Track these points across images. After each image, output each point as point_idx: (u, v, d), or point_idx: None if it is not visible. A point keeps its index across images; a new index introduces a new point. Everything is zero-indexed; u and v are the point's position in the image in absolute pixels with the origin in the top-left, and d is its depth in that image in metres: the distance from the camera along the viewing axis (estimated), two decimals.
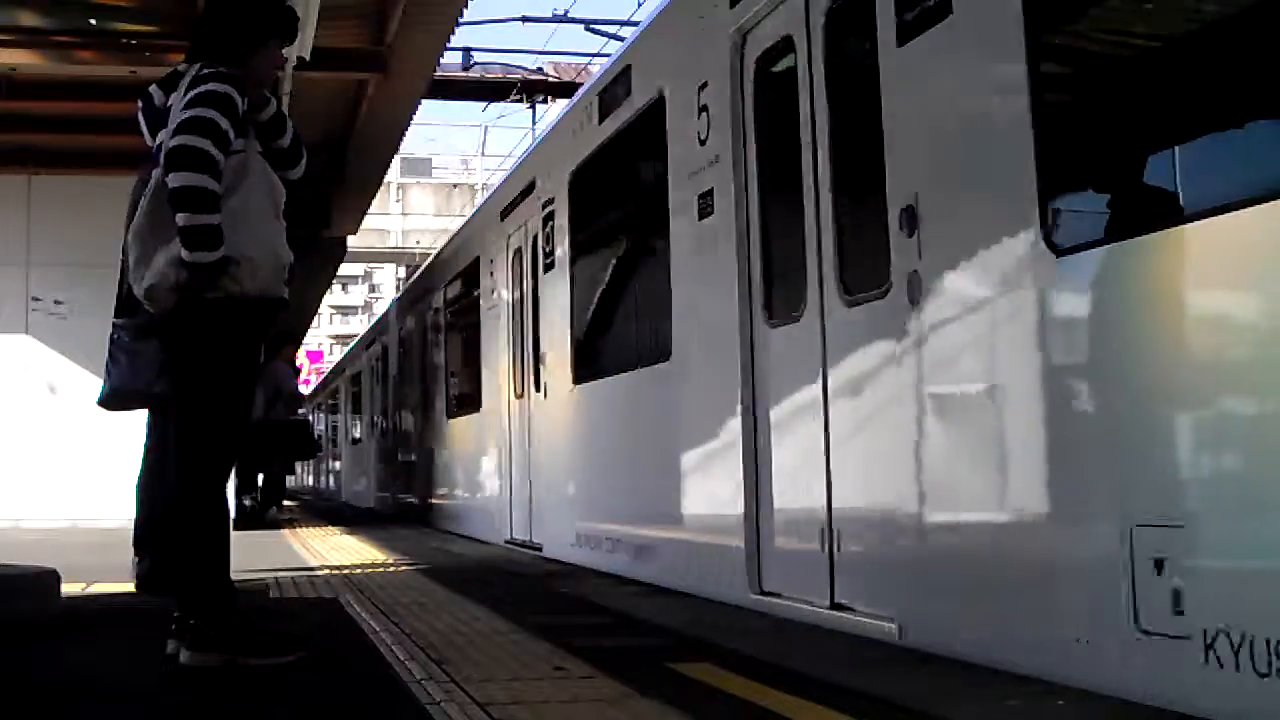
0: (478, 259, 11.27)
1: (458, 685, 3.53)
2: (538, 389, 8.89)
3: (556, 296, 8.40)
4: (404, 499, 16.03)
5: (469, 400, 11.71)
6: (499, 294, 10.27)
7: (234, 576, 4.07)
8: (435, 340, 14.11)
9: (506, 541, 9.69)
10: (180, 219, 3.82)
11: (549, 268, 8.59)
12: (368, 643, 4.48)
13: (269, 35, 4.31)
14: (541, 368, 8.72)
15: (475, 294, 11.44)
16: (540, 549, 8.76)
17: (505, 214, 10.00)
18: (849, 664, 3.89)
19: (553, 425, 8.60)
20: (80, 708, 3.51)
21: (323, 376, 28.81)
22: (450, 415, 12.90)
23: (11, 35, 9.07)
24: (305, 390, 26.17)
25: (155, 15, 9.05)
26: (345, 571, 7.61)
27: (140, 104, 4.20)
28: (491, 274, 10.70)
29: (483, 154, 36.57)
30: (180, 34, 8.45)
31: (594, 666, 3.84)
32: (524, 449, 9.36)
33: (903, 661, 3.95)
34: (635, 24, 15.27)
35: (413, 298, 15.91)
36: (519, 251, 9.56)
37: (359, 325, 55.86)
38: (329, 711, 3.43)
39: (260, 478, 13.29)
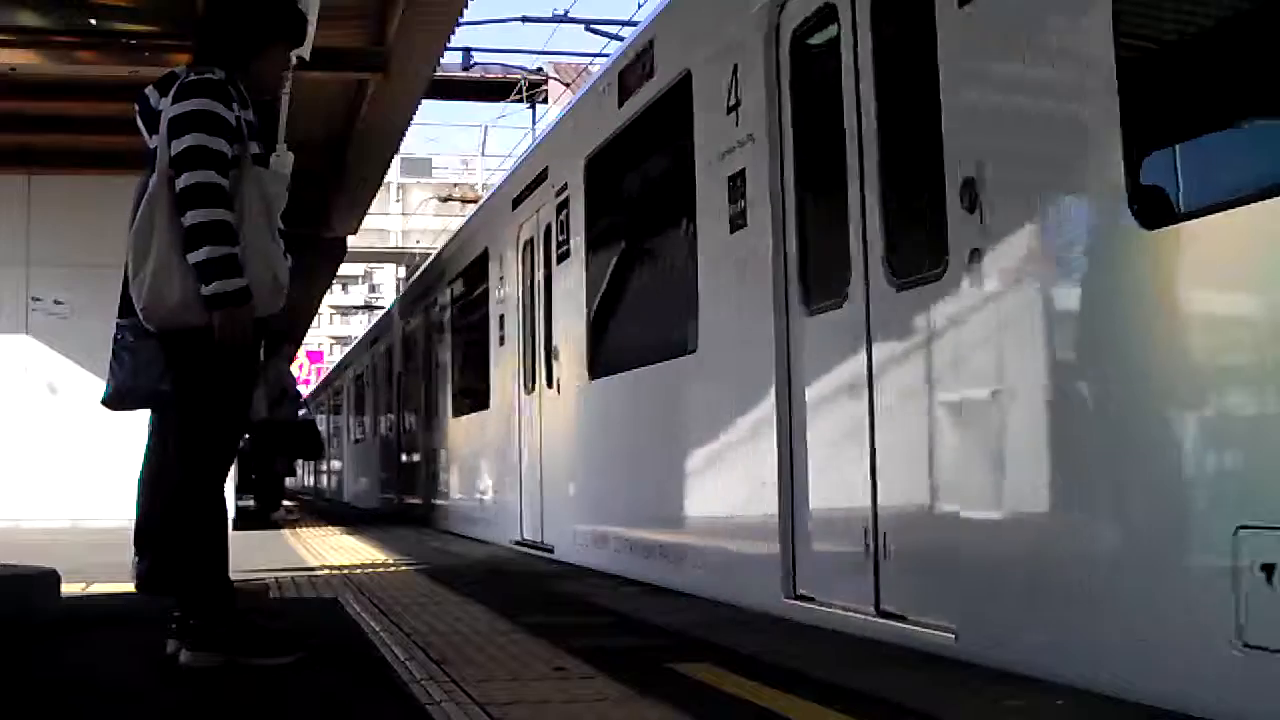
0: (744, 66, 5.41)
1: (457, 685, 3.53)
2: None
3: None
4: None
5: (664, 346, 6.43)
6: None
7: (234, 576, 4.08)
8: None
9: None
10: (202, 253, 3.82)
11: None
12: (368, 643, 4.47)
13: (273, 39, 4.25)
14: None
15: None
16: None
17: None
18: (849, 664, 3.89)
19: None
20: (80, 708, 3.51)
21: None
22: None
23: (11, 35, 9.06)
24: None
25: (155, 15, 9.04)
26: (345, 571, 7.60)
27: (137, 106, 4.20)
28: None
29: (483, 154, 36.60)
30: (180, 34, 8.47)
31: (594, 666, 3.84)
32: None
33: (903, 661, 3.95)
34: (635, 24, 15.21)
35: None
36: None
37: (359, 325, 55.76)
38: (329, 711, 3.43)
39: (259, 478, 13.27)
